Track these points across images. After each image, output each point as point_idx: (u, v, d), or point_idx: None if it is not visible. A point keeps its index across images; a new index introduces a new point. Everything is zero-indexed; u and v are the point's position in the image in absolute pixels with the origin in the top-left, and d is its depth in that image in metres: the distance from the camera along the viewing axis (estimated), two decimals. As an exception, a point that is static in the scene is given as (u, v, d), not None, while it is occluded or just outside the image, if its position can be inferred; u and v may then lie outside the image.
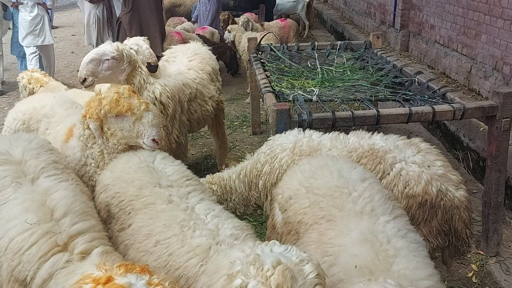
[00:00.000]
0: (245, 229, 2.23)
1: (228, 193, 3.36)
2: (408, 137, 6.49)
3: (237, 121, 7.24)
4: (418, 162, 2.65)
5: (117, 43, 3.76)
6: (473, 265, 3.80)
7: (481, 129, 5.79)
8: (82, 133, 2.98)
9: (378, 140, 2.87)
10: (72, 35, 13.81)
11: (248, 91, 8.63)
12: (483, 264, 3.84)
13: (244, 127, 7.02)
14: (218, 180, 3.40)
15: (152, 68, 3.92)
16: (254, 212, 3.52)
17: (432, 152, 2.74)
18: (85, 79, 3.63)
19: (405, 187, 2.61)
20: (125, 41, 4.20)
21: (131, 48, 3.83)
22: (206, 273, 1.89)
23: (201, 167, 5.74)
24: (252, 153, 3.44)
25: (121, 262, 1.91)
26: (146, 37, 4.40)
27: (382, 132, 3.04)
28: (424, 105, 3.73)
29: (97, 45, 8.28)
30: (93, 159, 3.00)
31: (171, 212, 2.32)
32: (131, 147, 2.97)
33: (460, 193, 2.62)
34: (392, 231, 2.01)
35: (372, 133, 2.99)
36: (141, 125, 2.87)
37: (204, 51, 4.79)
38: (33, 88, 4.63)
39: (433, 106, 3.62)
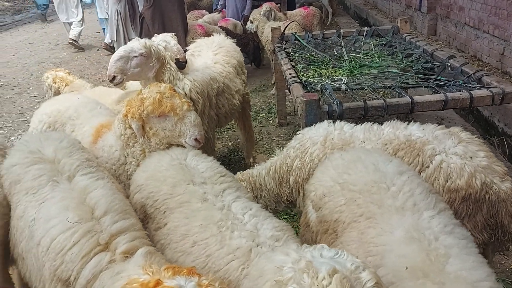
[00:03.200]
0: (286, 229, 2.17)
1: (258, 189, 3.28)
2: (440, 124, 6.30)
3: (263, 112, 7.15)
4: (459, 153, 2.50)
5: (145, 40, 3.73)
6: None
7: (518, 113, 5.54)
8: (123, 132, 2.98)
9: (415, 130, 2.73)
10: (97, 32, 13.92)
11: (273, 82, 8.53)
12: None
13: (270, 119, 6.92)
14: (248, 177, 3.34)
15: (181, 65, 3.86)
16: (286, 209, 3.43)
17: (474, 142, 2.58)
18: (114, 77, 3.61)
19: (447, 181, 2.47)
20: (153, 38, 4.14)
21: (159, 44, 3.77)
22: (249, 277, 1.84)
23: (228, 161, 5.69)
24: (280, 148, 3.35)
25: (167, 264, 1.87)
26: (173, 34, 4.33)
27: (414, 121, 2.90)
28: (460, 91, 3.56)
29: (118, 41, 8.30)
30: (133, 157, 2.99)
31: (207, 211, 2.28)
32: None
33: (506, 185, 2.45)
34: (438, 227, 1.90)
35: (408, 123, 2.85)
36: (183, 125, 2.88)
37: (229, 43, 4.71)
38: (59, 88, 4.64)
39: (470, 91, 3.44)
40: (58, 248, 2.06)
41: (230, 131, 6.54)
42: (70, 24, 12.39)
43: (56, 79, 4.62)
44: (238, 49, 4.86)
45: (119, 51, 3.67)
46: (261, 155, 5.76)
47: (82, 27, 12.45)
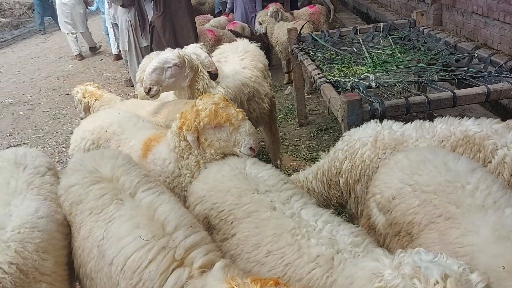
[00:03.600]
0: (363, 234, 2.14)
1: None
2: (463, 114, 6.27)
3: (280, 113, 7.12)
4: (522, 147, 2.49)
5: (178, 50, 3.72)
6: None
7: (539, 100, 5.53)
8: (178, 144, 2.95)
9: (470, 125, 2.71)
10: (98, 43, 13.85)
11: (285, 82, 8.53)
12: None
13: (289, 120, 6.90)
14: (295, 182, 3.31)
15: (213, 77, 3.85)
16: (335, 212, 3.41)
17: (534, 134, 2.56)
18: (150, 89, 3.59)
19: (512, 175, 2.45)
20: (184, 48, 4.13)
21: (191, 54, 3.76)
22: (336, 285, 1.81)
23: (254, 164, 5.65)
24: (326, 151, 3.32)
25: (246, 275, 1.85)
26: (201, 44, 4.30)
27: (434, 113, 2.86)
28: (500, 82, 3.54)
29: (130, 50, 8.26)
30: (188, 169, 2.98)
31: (277, 220, 2.25)
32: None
33: None
34: (524, 223, 1.87)
35: (461, 118, 2.83)
36: (238, 135, 2.86)
37: (253, 48, 4.70)
38: (88, 102, 4.61)
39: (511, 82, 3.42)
40: (134, 266, 2.04)
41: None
42: (73, 34, 12.48)
43: (86, 94, 4.59)
44: (262, 52, 4.85)
45: (154, 63, 3.67)
46: (287, 157, 5.74)
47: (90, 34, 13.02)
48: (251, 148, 2.91)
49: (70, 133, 6.21)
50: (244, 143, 2.88)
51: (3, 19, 19.73)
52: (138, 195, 2.36)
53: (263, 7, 9.47)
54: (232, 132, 2.85)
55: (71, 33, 12.36)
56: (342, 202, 3.20)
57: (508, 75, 3.83)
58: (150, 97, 3.72)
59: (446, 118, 2.85)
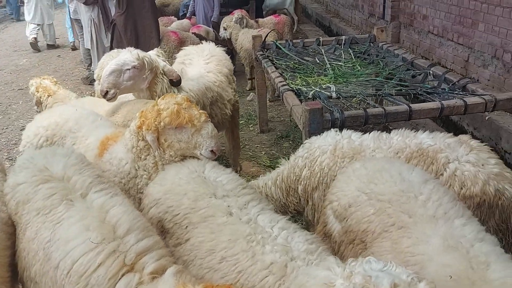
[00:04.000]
0: (317, 241, 2.14)
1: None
2: (416, 128, 6.49)
3: (242, 119, 7.11)
4: (472, 161, 2.59)
5: (137, 51, 3.63)
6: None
7: (486, 118, 5.80)
8: (136, 144, 2.86)
9: (425, 138, 2.81)
10: (56, 38, 13.40)
11: (248, 89, 8.55)
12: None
13: (250, 126, 6.91)
14: (254, 188, 3.30)
15: (175, 84, 3.76)
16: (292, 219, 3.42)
17: (484, 149, 2.68)
18: (107, 92, 3.49)
19: (461, 188, 2.55)
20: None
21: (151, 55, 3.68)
22: None
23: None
24: (286, 158, 3.34)
25: (199, 282, 1.81)
26: (158, 49, 4.20)
27: (390, 129, 2.96)
28: (453, 99, 3.70)
29: (92, 48, 8.06)
30: (145, 170, 2.89)
31: (233, 225, 2.22)
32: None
33: (517, 191, 2.57)
34: (472, 234, 1.95)
35: (416, 131, 2.92)
36: (200, 136, 2.81)
37: (219, 52, 4.68)
38: (40, 97, 4.41)
39: (464, 99, 3.58)
40: (81, 270, 1.94)
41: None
42: (38, 25, 12.21)
43: (39, 88, 4.39)
44: (228, 57, 4.84)
45: (111, 65, 3.58)
46: (247, 163, 5.74)
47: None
48: (212, 151, 2.86)
49: (21, 129, 5.95)
50: (205, 145, 2.83)
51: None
52: (89, 196, 2.26)
53: (228, 13, 9.48)
54: (193, 134, 2.80)
55: (37, 24, 11.98)
56: (300, 209, 3.22)
57: (460, 93, 4.01)
58: (107, 100, 3.60)
59: (402, 131, 2.94)
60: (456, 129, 6.62)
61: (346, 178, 2.48)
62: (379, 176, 2.33)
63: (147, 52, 7.20)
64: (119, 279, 1.92)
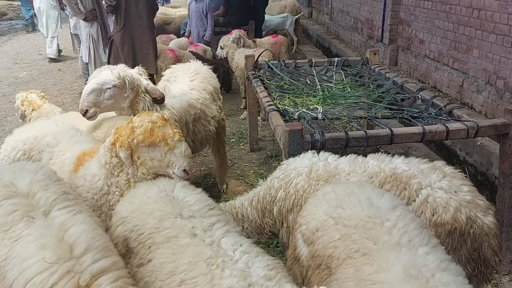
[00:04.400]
0: (278, 267, 2.09)
1: (240, 221, 3.22)
2: (408, 152, 6.44)
3: (234, 137, 7.12)
4: (445, 187, 2.55)
5: (118, 70, 3.64)
6: (487, 284, 3.72)
7: (478, 143, 5.78)
8: (109, 161, 2.85)
9: (400, 163, 2.77)
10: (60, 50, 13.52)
11: (242, 107, 8.57)
12: (497, 283, 3.77)
13: (241, 144, 6.90)
14: (230, 208, 3.28)
15: (159, 101, 3.77)
16: (269, 241, 3.38)
17: (457, 176, 2.65)
18: (87, 111, 3.51)
19: (433, 215, 2.50)
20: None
21: (133, 73, 3.69)
22: None
23: (200, 187, 5.53)
24: (264, 179, 3.31)
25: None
26: (140, 65, 4.20)
27: (381, 149, 2.93)
28: (436, 124, 3.68)
29: (90, 63, 8.13)
30: (117, 187, 2.87)
31: (196, 247, 2.18)
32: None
33: (489, 220, 2.52)
34: (434, 263, 1.90)
35: (392, 156, 2.90)
36: (173, 156, 2.80)
37: (205, 70, 4.69)
38: (25, 111, 4.42)
39: (446, 124, 3.57)
40: None
41: (202, 156, 6.45)
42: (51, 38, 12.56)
43: (24, 102, 4.40)
44: (214, 75, 4.86)
45: (92, 84, 3.59)
46: (234, 181, 5.71)
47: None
48: (184, 170, 2.84)
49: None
50: (178, 164, 2.81)
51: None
52: (52, 214, 2.21)
53: (227, 32, 9.58)
54: (166, 153, 2.78)
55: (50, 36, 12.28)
56: (275, 231, 3.18)
57: (445, 118, 3.99)
58: (87, 119, 3.61)
59: (378, 155, 2.91)
60: (449, 154, 6.59)
61: (316, 201, 2.45)
62: (348, 200, 2.29)
63: (147, 69, 7.36)
64: None
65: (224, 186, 5.39)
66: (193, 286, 2.03)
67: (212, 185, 5.62)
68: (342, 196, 2.34)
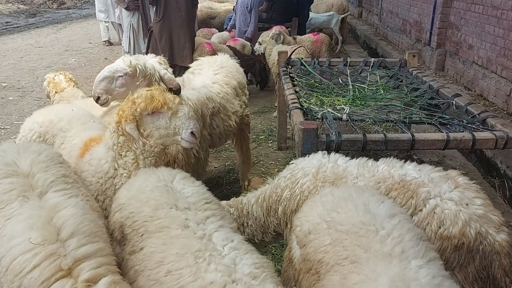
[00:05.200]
0: (265, 266, 2.02)
1: (244, 217, 3.16)
2: (442, 161, 6.13)
3: (263, 135, 7.06)
4: (455, 199, 2.37)
5: (130, 58, 3.68)
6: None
7: (521, 157, 5.42)
8: (116, 141, 2.87)
9: (410, 170, 2.61)
10: (105, 40, 13.98)
11: (276, 105, 8.47)
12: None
13: (269, 142, 6.83)
14: (237, 203, 3.22)
15: (175, 92, 3.76)
16: (274, 241, 3.29)
17: (471, 188, 2.45)
18: (99, 98, 3.57)
19: (440, 227, 2.33)
20: (147, 56, 4.06)
21: (149, 62, 3.71)
22: None
23: (223, 181, 5.58)
24: (276, 173, 3.23)
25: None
26: (162, 56, 4.21)
27: (414, 155, 2.77)
28: (463, 131, 3.46)
29: (130, 53, 8.33)
30: (125, 168, 2.89)
31: (186, 239, 2.15)
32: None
33: (502, 237, 2.30)
34: (426, 278, 1.76)
35: (405, 161, 2.73)
36: (177, 120, 2.80)
37: (231, 64, 4.64)
38: (49, 92, 4.54)
39: (473, 133, 3.34)
40: (17, 269, 1.91)
41: (229, 151, 6.44)
42: (106, 23, 13.26)
43: (50, 83, 4.52)
44: (241, 70, 4.80)
45: (104, 71, 3.67)
46: (257, 178, 5.65)
47: None
48: (192, 133, 2.82)
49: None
50: (184, 127, 2.80)
51: (22, 6, 20.03)
52: (47, 195, 2.25)
53: (268, 28, 9.51)
54: (171, 118, 2.79)
55: (104, 21, 12.68)
56: (280, 231, 3.09)
57: (479, 126, 3.75)
58: (100, 105, 3.68)
59: (389, 160, 2.76)
60: (489, 166, 6.24)
61: (312, 203, 2.35)
62: (344, 204, 2.18)
63: (181, 60, 7.42)
64: (52, 284, 1.87)
65: (246, 182, 5.34)
66: (178, 277, 2.00)
67: (234, 181, 5.59)
68: (338, 199, 2.23)
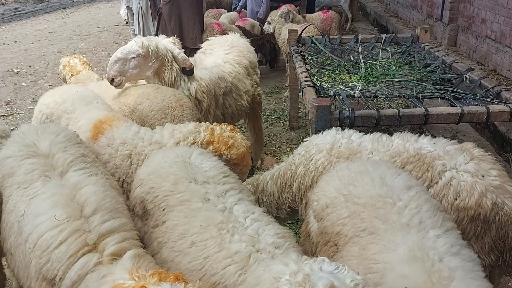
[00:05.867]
0: (287, 237, 2.08)
1: (260, 193, 3.20)
2: (455, 137, 6.12)
3: (275, 115, 7.07)
4: (471, 171, 2.38)
5: (142, 40, 3.71)
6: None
7: (536, 131, 5.37)
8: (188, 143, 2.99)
9: (425, 144, 2.62)
10: (115, 25, 13.98)
11: (287, 85, 8.43)
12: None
13: (281, 122, 6.84)
14: (253, 180, 3.28)
15: (188, 72, 3.79)
16: (288, 217, 3.34)
17: (487, 159, 2.45)
18: (113, 79, 3.61)
19: (456, 199, 2.35)
20: (158, 37, 4.08)
21: (161, 43, 3.74)
22: (245, 284, 1.78)
23: (235, 161, 5.60)
24: (289, 153, 3.26)
25: (154, 269, 1.80)
26: (175, 37, 4.24)
27: (427, 132, 2.78)
28: (477, 105, 3.44)
29: (140, 35, 8.31)
30: None
31: (207, 212, 2.20)
32: None
33: (518, 207, 2.33)
34: (444, 247, 1.79)
35: (419, 135, 2.74)
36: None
37: (242, 43, 4.63)
38: (65, 76, 4.59)
39: (487, 106, 3.32)
40: (44, 245, 1.99)
41: (241, 130, 6.44)
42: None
43: (66, 66, 4.57)
44: (252, 49, 4.79)
45: (117, 53, 3.73)
46: (270, 158, 5.68)
47: None
48: None
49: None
50: None
51: (29, -8, 20.00)
52: (68, 174, 2.31)
53: (278, 7, 9.42)
54: (235, 172, 2.91)
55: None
56: (295, 207, 3.13)
57: (493, 100, 3.72)
58: (115, 87, 3.72)
59: (404, 134, 2.77)
60: (503, 141, 6.19)
61: (328, 178, 2.38)
62: (360, 178, 2.20)
63: (191, 42, 7.40)
64: (79, 258, 1.94)
65: (259, 162, 5.38)
66: (203, 248, 2.06)
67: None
68: (355, 173, 2.25)
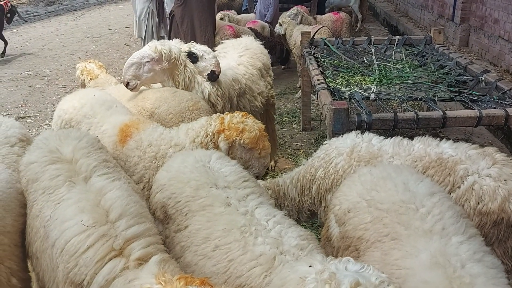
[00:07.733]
0: (310, 239, 2.10)
1: (281, 198, 3.22)
2: (469, 138, 6.08)
3: (287, 116, 7.08)
4: (493, 175, 2.38)
5: (156, 44, 3.77)
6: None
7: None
8: (203, 140, 3.01)
9: (447, 148, 2.62)
10: (126, 27, 14.08)
11: (298, 86, 8.46)
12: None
13: (293, 123, 6.85)
14: (273, 185, 3.29)
15: (213, 77, 3.83)
16: (309, 220, 3.35)
17: (509, 164, 2.44)
18: (128, 83, 3.67)
19: (478, 203, 2.35)
20: (174, 40, 4.13)
21: (175, 46, 3.80)
22: (271, 285, 1.79)
23: (249, 164, 5.62)
24: (303, 153, 3.27)
25: (180, 273, 1.83)
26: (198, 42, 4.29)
27: (440, 134, 2.77)
28: (495, 108, 3.42)
29: (147, 38, 8.36)
30: None
31: (230, 216, 2.22)
32: None
33: (541, 212, 2.32)
34: (467, 254, 1.80)
35: (440, 140, 2.73)
36: (257, 162, 3.06)
37: (256, 46, 4.66)
38: (84, 80, 4.64)
39: (506, 109, 3.30)
40: (72, 250, 2.02)
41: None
42: None
43: (84, 71, 4.62)
44: (266, 51, 4.82)
45: (132, 58, 3.80)
46: (283, 159, 5.69)
47: None
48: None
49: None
50: (255, 171, 3.06)
51: (40, -6, 20.20)
52: (92, 180, 2.34)
53: (288, 9, 9.42)
54: (253, 158, 3.02)
55: None
56: (314, 210, 3.14)
57: (508, 102, 3.70)
58: (130, 90, 3.78)
59: (425, 138, 2.77)
60: (517, 143, 6.15)
61: (350, 182, 2.38)
62: (383, 183, 2.21)
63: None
64: (106, 263, 1.96)
65: (272, 163, 5.38)
66: (227, 251, 2.09)
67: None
68: (377, 178, 2.26)
